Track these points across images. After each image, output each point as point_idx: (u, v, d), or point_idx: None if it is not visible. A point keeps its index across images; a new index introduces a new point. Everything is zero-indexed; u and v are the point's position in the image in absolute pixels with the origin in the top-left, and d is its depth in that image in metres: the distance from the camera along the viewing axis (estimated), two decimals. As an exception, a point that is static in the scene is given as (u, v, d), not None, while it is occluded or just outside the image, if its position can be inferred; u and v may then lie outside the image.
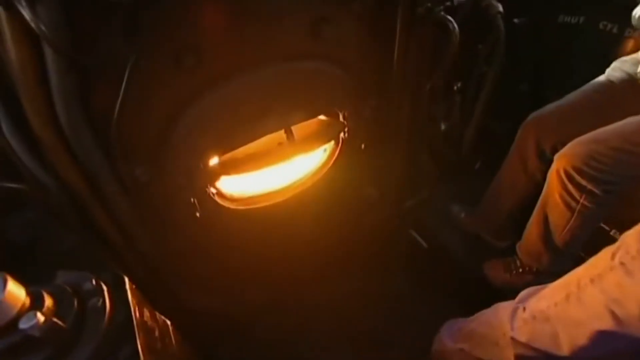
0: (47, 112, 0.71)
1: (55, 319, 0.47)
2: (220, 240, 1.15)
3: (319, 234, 1.37)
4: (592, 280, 0.80)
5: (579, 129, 1.12)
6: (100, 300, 0.53)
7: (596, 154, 1.07)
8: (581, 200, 1.11)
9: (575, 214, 1.14)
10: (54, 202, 0.75)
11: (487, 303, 1.33)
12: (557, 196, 1.16)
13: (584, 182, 1.09)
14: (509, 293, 1.33)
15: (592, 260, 0.85)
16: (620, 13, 1.25)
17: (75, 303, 0.52)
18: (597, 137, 1.10)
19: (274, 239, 1.26)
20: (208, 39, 0.86)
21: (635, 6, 1.14)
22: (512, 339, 0.93)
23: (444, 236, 1.58)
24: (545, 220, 1.22)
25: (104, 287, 0.56)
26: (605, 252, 0.81)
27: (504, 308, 1.02)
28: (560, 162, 1.13)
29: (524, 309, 0.95)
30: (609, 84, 1.19)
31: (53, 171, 0.75)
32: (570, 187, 1.12)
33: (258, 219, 1.20)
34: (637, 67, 1.15)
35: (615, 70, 1.21)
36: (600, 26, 1.34)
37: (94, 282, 0.55)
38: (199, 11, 0.82)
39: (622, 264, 0.75)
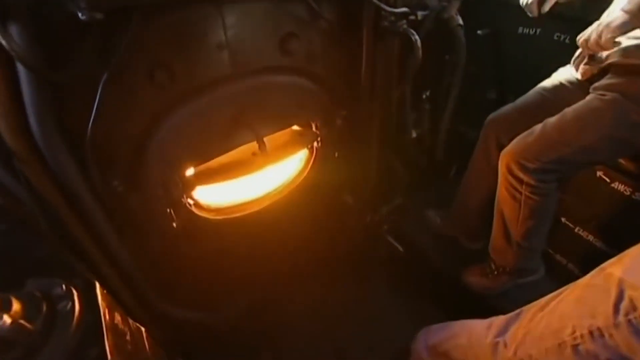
0: (20, 126, 0.73)
1: (22, 321, 0.49)
2: (198, 250, 1.17)
3: (296, 242, 1.40)
4: (591, 334, 0.76)
5: (532, 123, 1.20)
6: (70, 304, 0.56)
7: (529, 146, 1.15)
8: (523, 192, 1.19)
9: (522, 206, 1.21)
10: (27, 213, 0.77)
11: (465, 305, 1.38)
12: (504, 190, 1.24)
13: (520, 174, 1.17)
14: (487, 297, 1.39)
15: (586, 301, 0.80)
16: (571, 26, 1.35)
17: (44, 307, 0.54)
18: (530, 131, 1.19)
19: (252, 248, 1.28)
20: (180, 56, 0.89)
21: (583, 20, 1.24)
22: None
23: (421, 241, 1.61)
24: (502, 215, 1.28)
25: (74, 292, 0.58)
26: (602, 297, 0.75)
27: (478, 336, 1.02)
28: (503, 158, 1.22)
29: (505, 344, 0.93)
30: (557, 83, 1.30)
31: (27, 183, 0.77)
32: (511, 179, 1.20)
33: (235, 228, 1.22)
34: (574, 68, 1.27)
35: (561, 72, 1.33)
36: (555, 37, 1.45)
37: (63, 287, 0.57)
38: (171, 30, 0.86)
39: (629, 321, 0.70)
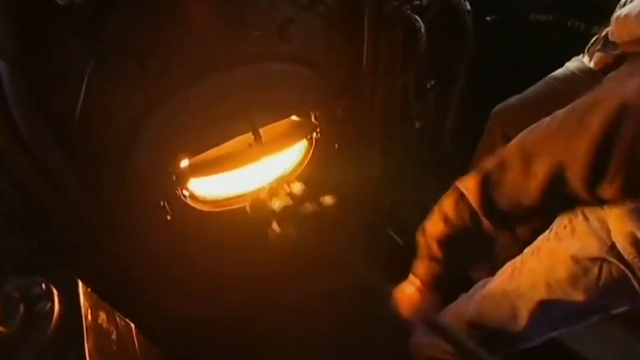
0: (1, 119, 0.70)
1: (-5, 325, 0.47)
2: (193, 243, 1.15)
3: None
4: (532, 253, 0.87)
5: (540, 115, 1.14)
6: (49, 304, 0.54)
7: None
8: None
9: None
10: (13, 207, 0.75)
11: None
12: None
13: None
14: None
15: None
16: (586, 11, 1.28)
17: (22, 308, 0.52)
18: (537, 123, 1.14)
19: (248, 241, 1.26)
20: (172, 44, 0.85)
21: (600, 5, 1.17)
22: (469, 322, 0.97)
23: (423, 233, 1.58)
24: None
25: (55, 291, 0.56)
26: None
27: (463, 297, 1.06)
28: None
29: (484, 285, 1.00)
30: (569, 73, 1.25)
31: (10, 175, 0.75)
32: None
33: (232, 221, 1.20)
34: (587, 57, 1.21)
35: (573, 61, 1.27)
36: (569, 24, 1.38)
37: (43, 286, 0.55)
38: (162, 15, 0.82)
39: (556, 233, 0.81)
